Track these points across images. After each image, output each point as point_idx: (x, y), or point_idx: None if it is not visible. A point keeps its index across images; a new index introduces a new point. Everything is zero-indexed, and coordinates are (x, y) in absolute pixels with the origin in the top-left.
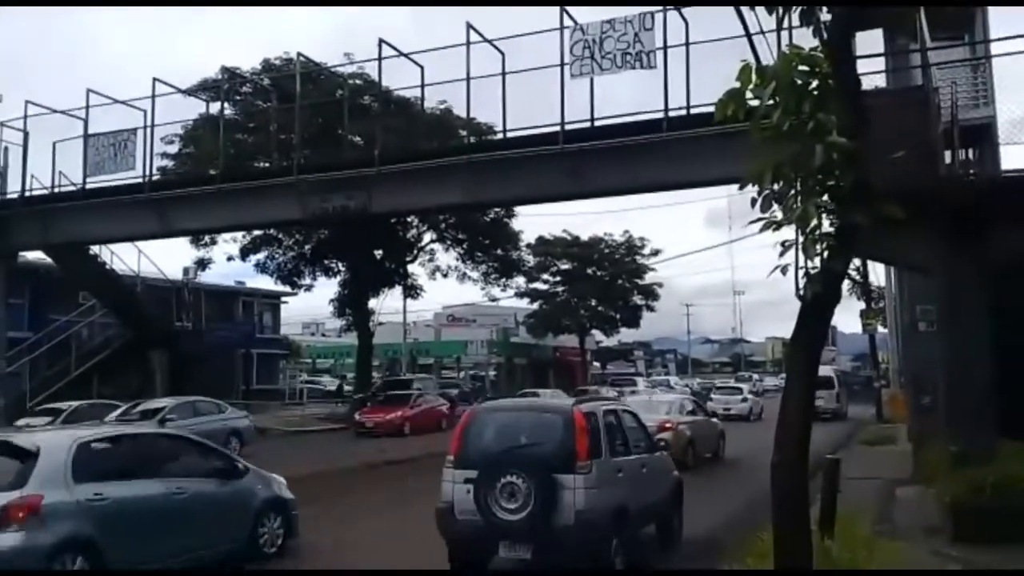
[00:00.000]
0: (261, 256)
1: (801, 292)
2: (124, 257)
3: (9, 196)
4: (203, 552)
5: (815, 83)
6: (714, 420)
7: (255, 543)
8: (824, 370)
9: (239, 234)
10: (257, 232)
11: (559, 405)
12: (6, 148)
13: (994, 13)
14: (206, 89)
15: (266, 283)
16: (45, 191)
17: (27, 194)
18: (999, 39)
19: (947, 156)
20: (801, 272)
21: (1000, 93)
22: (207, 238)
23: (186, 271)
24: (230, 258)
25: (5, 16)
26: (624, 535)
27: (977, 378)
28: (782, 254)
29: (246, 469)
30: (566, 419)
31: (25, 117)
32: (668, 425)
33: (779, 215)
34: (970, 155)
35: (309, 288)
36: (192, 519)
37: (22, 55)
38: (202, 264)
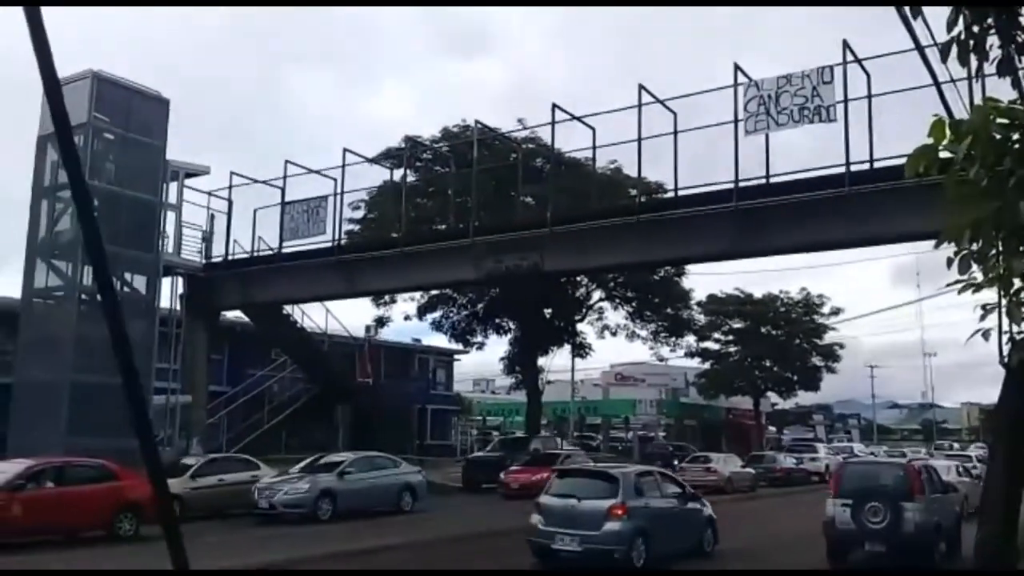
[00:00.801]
0: (436, 315)
1: (1006, 359)
2: (312, 315)
3: (214, 260)
4: (682, 547)
5: (1016, 136)
6: (978, 482)
7: (700, 545)
8: None
9: (416, 293)
10: (433, 291)
11: (899, 462)
12: (212, 216)
13: None
14: (389, 157)
15: (440, 340)
16: (246, 255)
17: (229, 258)
18: None
19: None
20: (1005, 337)
21: None
22: (387, 297)
23: (367, 329)
24: (407, 317)
25: (218, 93)
26: (942, 540)
27: None
28: (983, 317)
29: (697, 496)
30: (906, 470)
31: (230, 187)
32: (949, 482)
33: (979, 276)
34: None
35: (481, 346)
36: (681, 525)
37: (229, 127)
38: (381, 322)
